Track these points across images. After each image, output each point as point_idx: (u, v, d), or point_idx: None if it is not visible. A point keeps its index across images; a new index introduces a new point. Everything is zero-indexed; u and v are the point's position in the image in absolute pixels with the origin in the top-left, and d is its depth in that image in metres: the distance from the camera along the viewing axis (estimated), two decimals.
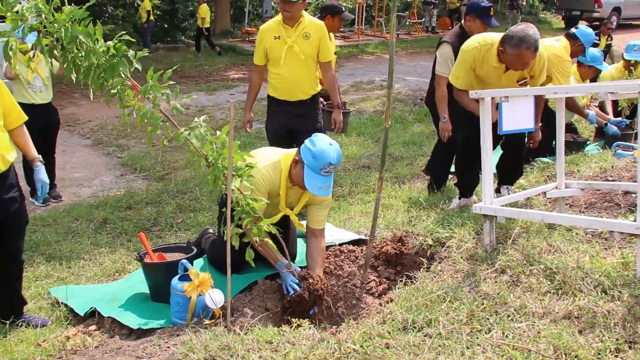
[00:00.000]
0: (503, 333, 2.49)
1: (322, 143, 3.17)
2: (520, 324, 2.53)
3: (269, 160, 3.36)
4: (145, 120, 2.75)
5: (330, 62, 4.68)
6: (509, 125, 3.31)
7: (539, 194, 3.89)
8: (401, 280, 3.36)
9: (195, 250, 3.56)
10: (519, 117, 3.28)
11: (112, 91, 2.66)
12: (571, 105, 5.26)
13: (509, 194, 4.15)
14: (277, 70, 4.51)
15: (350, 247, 3.82)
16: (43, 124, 5.69)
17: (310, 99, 4.62)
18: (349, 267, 3.56)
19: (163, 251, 3.55)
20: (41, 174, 3.25)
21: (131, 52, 2.68)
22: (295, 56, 4.43)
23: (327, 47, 4.55)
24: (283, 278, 3.27)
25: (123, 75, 2.65)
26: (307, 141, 3.25)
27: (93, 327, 3.16)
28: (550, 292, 2.74)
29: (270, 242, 3.10)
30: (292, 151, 3.43)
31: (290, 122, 4.63)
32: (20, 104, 3.48)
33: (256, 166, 3.21)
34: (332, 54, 4.70)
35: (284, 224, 3.56)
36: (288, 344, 2.61)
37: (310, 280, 3.21)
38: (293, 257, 3.71)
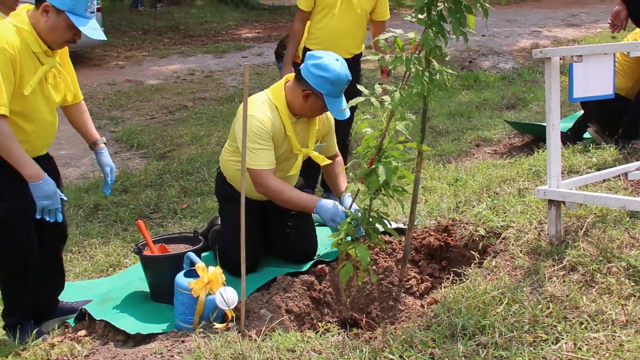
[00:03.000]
0: (575, 344, 2.44)
1: (332, 64, 3.33)
2: (597, 334, 2.47)
3: (258, 102, 3.48)
4: None
5: (386, 22, 4.82)
6: (580, 91, 3.21)
7: (619, 175, 3.80)
8: (447, 278, 3.34)
9: (203, 241, 3.56)
10: (594, 81, 3.18)
11: None
12: None
13: None
14: (324, 21, 4.63)
15: (386, 237, 3.78)
16: None
17: (353, 58, 4.72)
18: (385, 261, 3.55)
19: (165, 242, 3.56)
20: (107, 156, 3.39)
21: None
22: (352, 8, 4.56)
23: (386, 4, 4.70)
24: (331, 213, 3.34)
25: None
26: (311, 67, 3.35)
27: (83, 332, 3.18)
28: (634, 296, 2.68)
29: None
30: (276, 85, 3.57)
31: None
32: None
33: (252, 112, 3.36)
34: (388, 13, 4.84)
35: (299, 216, 3.68)
36: (314, 352, 2.61)
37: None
38: (314, 251, 3.77)
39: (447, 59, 2.90)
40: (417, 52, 2.81)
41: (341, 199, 3.63)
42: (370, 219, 3.03)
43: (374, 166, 2.90)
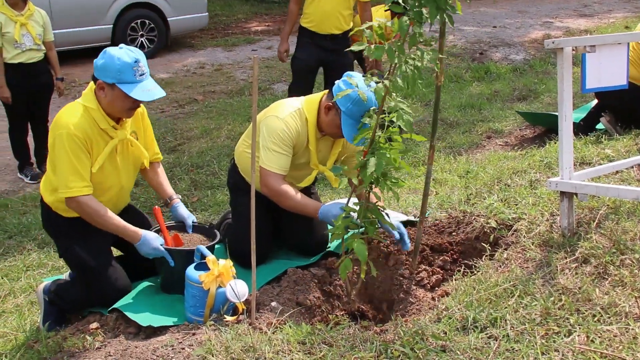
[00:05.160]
0: (587, 337, 2.42)
1: (359, 84, 3.20)
2: (610, 327, 2.45)
3: (291, 108, 3.44)
4: None
5: (370, 2, 5.53)
6: (593, 81, 3.18)
7: (632, 167, 3.77)
8: (459, 270, 3.33)
9: (219, 236, 3.54)
10: (608, 71, 3.14)
11: None
12: None
13: None
14: (314, 3, 5.47)
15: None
16: (30, 86, 5.74)
17: (342, 34, 5.54)
18: (396, 254, 3.51)
19: (180, 230, 3.54)
20: (182, 208, 3.57)
21: None
22: None
23: None
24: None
25: None
26: (340, 83, 3.26)
27: (94, 325, 3.19)
28: None
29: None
30: (313, 97, 3.50)
31: (320, 55, 5.61)
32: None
33: (278, 114, 3.37)
34: None
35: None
36: (324, 345, 2.61)
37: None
38: (324, 244, 3.74)
39: (433, 44, 2.78)
40: (399, 41, 2.70)
41: None
42: (368, 212, 2.98)
43: (367, 158, 2.86)
